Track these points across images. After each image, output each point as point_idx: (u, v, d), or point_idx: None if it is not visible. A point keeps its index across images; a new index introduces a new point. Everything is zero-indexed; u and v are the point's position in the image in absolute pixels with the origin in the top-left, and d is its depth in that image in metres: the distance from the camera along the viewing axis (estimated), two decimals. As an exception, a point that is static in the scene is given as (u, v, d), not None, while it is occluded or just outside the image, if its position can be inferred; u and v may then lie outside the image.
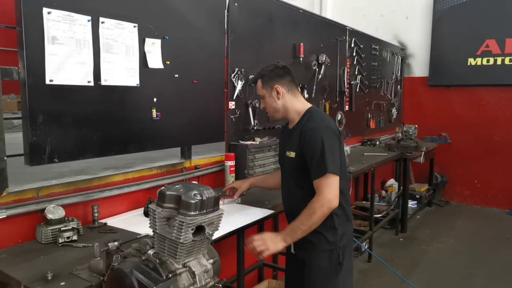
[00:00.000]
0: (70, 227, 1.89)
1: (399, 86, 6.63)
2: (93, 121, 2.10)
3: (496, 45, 5.99)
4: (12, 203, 1.85)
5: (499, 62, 6.00)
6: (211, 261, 1.37)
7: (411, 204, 5.59)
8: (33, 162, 1.86)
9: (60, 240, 1.83)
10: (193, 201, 1.23)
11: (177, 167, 2.72)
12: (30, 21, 1.80)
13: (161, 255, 1.28)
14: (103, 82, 2.13)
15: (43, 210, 1.91)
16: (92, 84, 2.08)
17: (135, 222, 2.17)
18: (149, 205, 1.30)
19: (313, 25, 4.13)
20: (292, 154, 1.92)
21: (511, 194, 5.93)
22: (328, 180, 1.79)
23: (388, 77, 6.15)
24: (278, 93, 1.96)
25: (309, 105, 2.01)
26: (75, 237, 1.87)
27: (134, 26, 2.27)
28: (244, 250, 2.33)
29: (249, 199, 2.66)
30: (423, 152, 4.89)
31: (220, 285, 1.48)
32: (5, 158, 1.81)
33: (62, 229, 1.86)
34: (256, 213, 2.39)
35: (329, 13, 6.96)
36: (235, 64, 3.06)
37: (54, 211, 1.91)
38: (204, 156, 2.96)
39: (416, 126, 5.16)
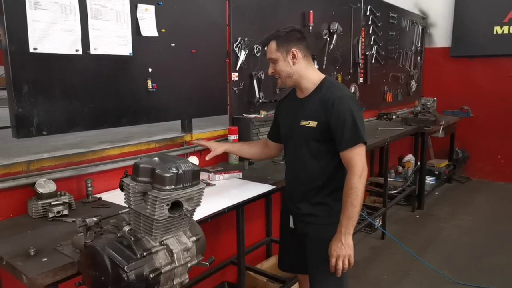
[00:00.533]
0: (61, 202, 1.83)
1: (419, 58, 6.31)
2: (83, 92, 2.01)
3: (526, 11, 5.59)
4: (1, 177, 1.80)
5: (528, 29, 5.60)
6: (193, 238, 1.28)
7: (429, 180, 5.40)
8: (20, 134, 1.79)
9: (50, 215, 1.78)
10: (168, 175, 1.13)
11: (177, 141, 2.63)
12: (8, -16, 1.69)
13: (137, 232, 1.20)
14: (92, 51, 2.02)
15: (34, 184, 1.85)
16: (80, 52, 1.97)
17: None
18: (123, 179, 1.21)
19: (324, -9, 3.88)
20: (311, 123, 1.80)
21: (537, 170, 5.66)
22: (360, 149, 1.74)
23: (407, 48, 5.84)
24: (294, 57, 1.81)
25: (323, 75, 1.89)
26: (65, 212, 1.82)
27: (125, -9, 2.14)
28: (244, 227, 2.25)
29: (250, 174, 2.56)
30: (441, 126, 4.65)
31: (207, 263, 1.40)
32: (-10, 130, 1.75)
33: (52, 203, 1.81)
34: (257, 188, 2.29)
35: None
36: (237, 33, 2.90)
37: (45, 185, 1.85)
38: (207, 130, 2.86)
39: (435, 98, 4.90)
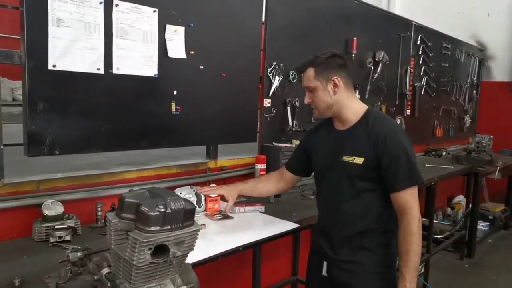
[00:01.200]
0: (66, 226, 1.73)
1: (474, 91, 5.86)
2: (101, 112, 1.94)
3: None
4: (7, 195, 1.74)
5: None
6: (184, 287, 1.09)
7: (482, 225, 4.88)
8: (30, 152, 1.73)
9: (51, 240, 1.68)
10: (153, 214, 0.96)
11: (200, 167, 2.49)
12: (32, 0, 1.67)
13: (116, 277, 1.04)
14: (115, 71, 1.95)
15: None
16: (102, 72, 1.91)
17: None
18: (108, 213, 1.06)
19: (370, 18, 3.69)
20: (357, 160, 1.59)
21: None
22: (415, 191, 1.57)
23: (462, 81, 5.44)
24: (335, 86, 1.62)
25: (366, 106, 1.70)
26: (68, 238, 1.71)
27: (154, 11, 2.08)
28: (260, 267, 2.03)
29: (274, 209, 2.36)
30: (498, 168, 4.19)
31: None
32: (1, 147, 1.70)
33: (56, 227, 1.71)
34: (279, 226, 2.08)
35: (398, 9, 6.36)
36: (272, 58, 2.77)
37: (52, 207, 1.77)
38: (233, 157, 2.71)
39: (491, 136, 4.46)
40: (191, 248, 1.08)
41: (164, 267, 1.04)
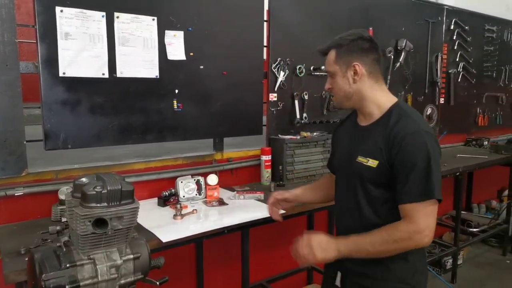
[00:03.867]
0: (77, 208, 2.05)
1: (531, 75, 5.39)
2: (108, 111, 2.23)
3: None
4: (31, 183, 2.10)
5: None
6: (130, 256, 1.32)
7: (532, 220, 4.52)
8: (47, 146, 2.08)
9: (63, 219, 1.99)
10: (90, 193, 1.20)
11: (206, 158, 2.72)
12: (43, 19, 1.99)
13: (72, 244, 1.29)
14: (118, 74, 2.24)
15: (61, 191, 2.11)
16: (107, 76, 2.20)
17: (148, 209, 2.25)
18: (66, 193, 1.32)
19: (390, 7, 3.63)
20: (370, 162, 1.42)
21: None
22: (429, 208, 1.33)
23: (513, 64, 5.05)
24: (356, 73, 1.44)
25: (395, 98, 1.50)
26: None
27: (153, 19, 2.33)
28: (248, 252, 2.20)
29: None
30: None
31: (156, 282, 1.44)
32: (24, 142, 2.05)
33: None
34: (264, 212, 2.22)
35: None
36: (277, 53, 2.89)
37: (65, 193, 2.09)
38: (240, 149, 2.89)
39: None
40: (132, 222, 1.29)
41: (108, 238, 1.27)
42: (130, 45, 2.27)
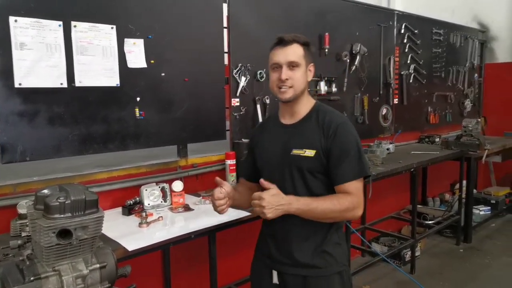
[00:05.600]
0: (38, 222, 2.01)
1: (476, 75, 5.77)
2: (68, 121, 2.20)
3: None
4: (-13, 198, 2.03)
5: None
6: (96, 266, 1.32)
7: (483, 210, 4.85)
8: (4, 160, 2.02)
9: (23, 234, 1.95)
10: (53, 204, 1.20)
11: (171, 165, 2.72)
12: (-4, 29, 1.95)
13: (35, 257, 1.28)
14: (77, 84, 2.22)
15: (20, 205, 2.06)
16: (65, 86, 2.18)
17: (112, 219, 2.23)
18: (27, 206, 1.31)
19: (345, 12, 3.79)
20: (308, 152, 1.54)
21: None
22: (361, 184, 1.56)
23: (460, 65, 5.39)
24: (310, 72, 1.63)
25: (314, 100, 1.69)
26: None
27: (112, 28, 2.32)
28: (215, 255, 2.24)
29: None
30: (486, 151, 4.17)
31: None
32: (-20, 156, 1.99)
33: (27, 223, 1.98)
34: (233, 215, 2.27)
35: (398, 2, 6.31)
36: (238, 59, 2.95)
37: (26, 206, 2.04)
38: (204, 155, 2.92)
39: (478, 120, 4.43)
40: (97, 231, 1.30)
41: (73, 248, 1.27)
42: (89, 54, 2.25)
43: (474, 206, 4.63)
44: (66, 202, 1.21)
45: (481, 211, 4.80)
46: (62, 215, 1.21)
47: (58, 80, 2.16)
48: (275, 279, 1.65)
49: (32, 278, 1.20)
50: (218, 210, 1.54)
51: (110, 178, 2.45)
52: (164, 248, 2.00)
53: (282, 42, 1.58)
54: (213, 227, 2.15)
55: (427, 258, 4.07)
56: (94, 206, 1.28)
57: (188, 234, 2.05)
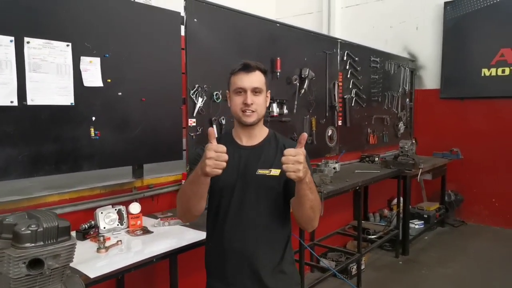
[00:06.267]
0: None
1: (408, 99, 6.30)
2: (17, 141, 2.07)
3: (512, 54, 5.57)
4: None
5: (515, 72, 5.56)
6: (67, 295, 1.26)
7: (417, 224, 5.23)
8: None
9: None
10: (24, 232, 1.13)
11: (126, 186, 2.65)
12: None
13: (-1, 290, 1.19)
14: (29, 102, 2.10)
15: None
16: (15, 104, 2.06)
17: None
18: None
19: (294, 38, 3.99)
20: (273, 172, 1.58)
21: (533, 215, 5.41)
22: None
23: (394, 90, 5.86)
24: (268, 98, 1.70)
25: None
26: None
27: (67, 45, 2.25)
28: (177, 279, 2.20)
29: (197, 221, 2.52)
30: (420, 170, 4.55)
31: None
32: None
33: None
34: (194, 237, 2.25)
35: (338, 30, 6.79)
36: (195, 80, 2.97)
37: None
38: (160, 175, 2.88)
39: (414, 141, 4.85)
40: (69, 260, 1.24)
41: (43, 278, 1.20)
42: (42, 72, 2.15)
43: (410, 221, 4.99)
44: (38, 230, 1.15)
45: (416, 225, 5.17)
46: (33, 244, 1.15)
47: (8, 98, 2.04)
48: None
49: (-3, 314, 1.11)
50: (220, 166, 1.37)
51: (61, 201, 2.33)
52: (127, 273, 1.92)
53: (246, 68, 1.62)
54: (175, 250, 2.12)
55: (370, 272, 4.28)
56: (66, 233, 1.23)
57: (150, 259, 2.00)
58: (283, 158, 1.35)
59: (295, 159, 1.33)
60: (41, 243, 1.16)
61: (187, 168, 1.51)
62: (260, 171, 1.60)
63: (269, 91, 1.70)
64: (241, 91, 1.61)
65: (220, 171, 1.37)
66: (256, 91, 1.61)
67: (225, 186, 1.63)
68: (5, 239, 1.17)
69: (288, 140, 1.72)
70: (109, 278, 1.80)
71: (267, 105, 1.69)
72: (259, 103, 1.62)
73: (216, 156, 1.36)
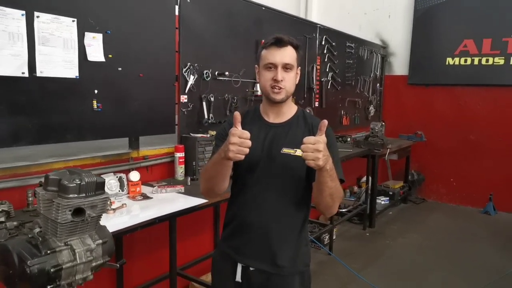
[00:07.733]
0: (0, 210, 2.01)
1: (378, 84, 6.68)
2: (28, 110, 2.21)
3: (474, 45, 6.02)
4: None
5: (476, 62, 6.02)
6: (99, 241, 1.48)
7: (383, 200, 5.68)
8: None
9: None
10: (71, 185, 1.33)
11: (123, 156, 2.83)
12: (-42, 14, 1.91)
13: (46, 234, 1.39)
14: (38, 74, 2.23)
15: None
16: (26, 75, 2.18)
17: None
18: (36, 188, 1.41)
19: (278, 22, 4.20)
20: (298, 152, 1.42)
21: (485, 193, 5.97)
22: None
23: (366, 75, 6.21)
24: (298, 76, 1.61)
25: None
26: (2, 219, 1.98)
27: (73, 21, 2.37)
28: (175, 239, 2.44)
29: (192, 189, 2.76)
30: (388, 150, 4.95)
31: (117, 265, 1.61)
32: None
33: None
34: (191, 202, 2.49)
35: (315, 15, 7.01)
36: (187, 59, 3.15)
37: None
38: (154, 147, 3.07)
39: (383, 123, 5.23)
40: (103, 210, 1.46)
41: (83, 225, 1.41)
42: (51, 45, 2.28)
43: (376, 197, 5.42)
44: (82, 183, 1.36)
45: (382, 201, 5.62)
46: (77, 195, 1.35)
47: (20, 69, 2.16)
48: (239, 277, 1.63)
49: (48, 252, 1.32)
50: (243, 152, 1.35)
51: (66, 167, 2.47)
52: (133, 232, 2.14)
53: (279, 43, 1.55)
54: (175, 213, 2.35)
55: (341, 241, 4.68)
56: (102, 187, 1.44)
57: (153, 219, 2.22)
58: (303, 146, 1.32)
59: (314, 147, 1.30)
60: (83, 194, 1.36)
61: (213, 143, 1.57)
62: (285, 150, 1.52)
63: (299, 68, 1.61)
64: (272, 66, 1.54)
65: (242, 156, 1.35)
66: (287, 67, 1.54)
67: (250, 162, 1.55)
68: (51, 191, 1.37)
69: (316, 119, 1.62)
70: (121, 235, 2.01)
71: (297, 82, 1.61)
72: (289, 79, 1.55)
73: (239, 142, 1.34)
